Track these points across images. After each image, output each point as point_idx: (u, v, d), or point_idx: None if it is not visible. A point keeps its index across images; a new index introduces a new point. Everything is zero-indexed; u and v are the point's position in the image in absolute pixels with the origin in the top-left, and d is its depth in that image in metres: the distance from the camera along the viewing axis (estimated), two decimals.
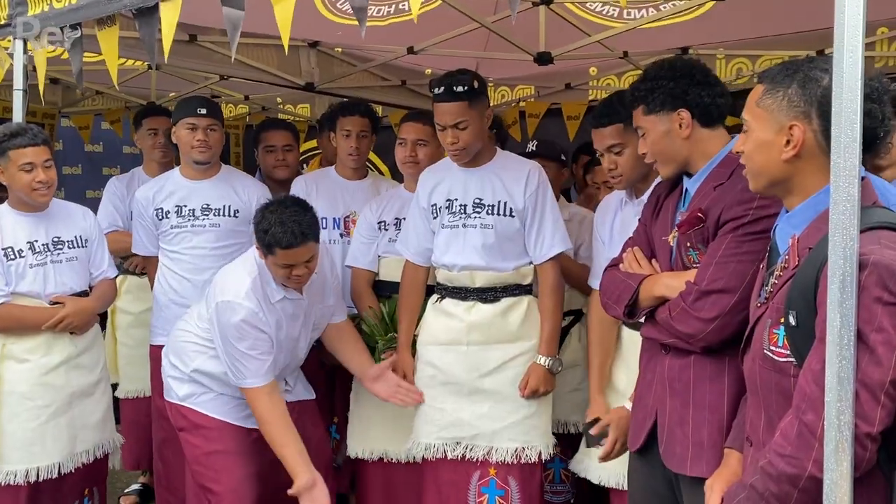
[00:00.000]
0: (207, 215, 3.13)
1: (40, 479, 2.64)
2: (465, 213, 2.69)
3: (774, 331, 1.50)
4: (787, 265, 1.51)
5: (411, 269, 2.85)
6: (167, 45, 2.24)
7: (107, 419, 2.90)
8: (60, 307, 2.70)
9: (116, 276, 3.05)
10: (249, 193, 3.20)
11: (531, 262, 2.72)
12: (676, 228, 1.92)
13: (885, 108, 1.47)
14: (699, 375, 1.86)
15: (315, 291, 2.76)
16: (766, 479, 1.44)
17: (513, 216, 2.66)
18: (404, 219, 2.97)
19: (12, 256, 2.65)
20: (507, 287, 2.70)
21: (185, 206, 3.13)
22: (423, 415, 2.75)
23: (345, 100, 3.92)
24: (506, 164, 2.72)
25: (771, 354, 1.51)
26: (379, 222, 3.06)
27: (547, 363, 2.65)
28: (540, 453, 2.67)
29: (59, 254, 2.75)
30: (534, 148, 3.10)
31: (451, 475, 2.70)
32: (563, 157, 3.17)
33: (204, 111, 3.11)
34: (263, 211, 2.56)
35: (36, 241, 2.71)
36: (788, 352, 1.47)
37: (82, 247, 2.83)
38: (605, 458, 2.31)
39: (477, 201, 2.67)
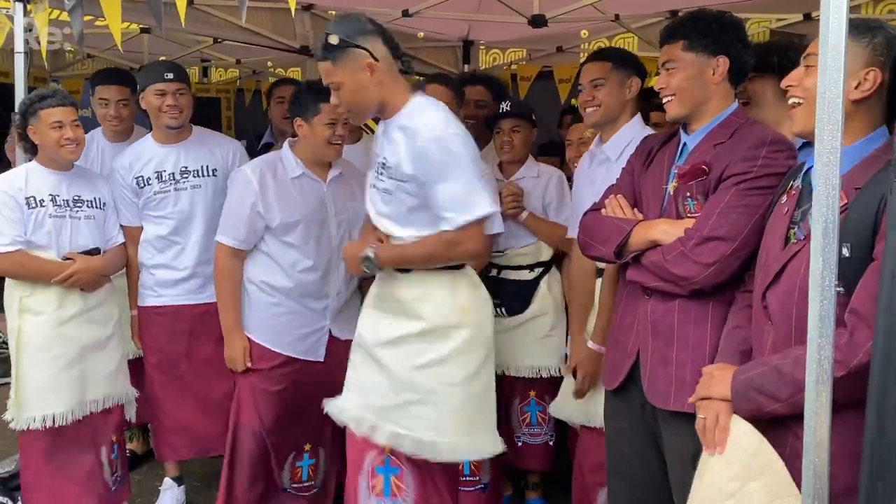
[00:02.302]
0: (187, 177, 3.16)
1: (56, 425, 2.80)
2: (376, 172, 2.38)
3: None
4: None
5: None
6: (182, 9, 2.28)
7: (119, 372, 3.03)
8: (71, 263, 2.83)
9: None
10: (224, 151, 3.23)
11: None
12: (678, 178, 2.01)
13: None
14: (683, 319, 1.98)
15: (345, 188, 2.93)
16: (797, 366, 1.53)
17: (405, 181, 2.24)
18: None
19: (33, 205, 2.80)
20: None
21: (164, 170, 3.15)
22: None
23: None
24: (410, 116, 2.27)
25: None
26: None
27: (369, 251, 2.31)
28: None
29: (78, 211, 2.90)
30: (507, 108, 3.18)
31: (352, 452, 2.41)
32: (533, 118, 3.25)
33: (171, 76, 3.11)
34: (300, 86, 2.98)
35: (58, 195, 2.86)
36: (838, 282, 1.53)
37: (100, 209, 2.98)
38: (579, 394, 2.60)
39: (382, 161, 2.33)
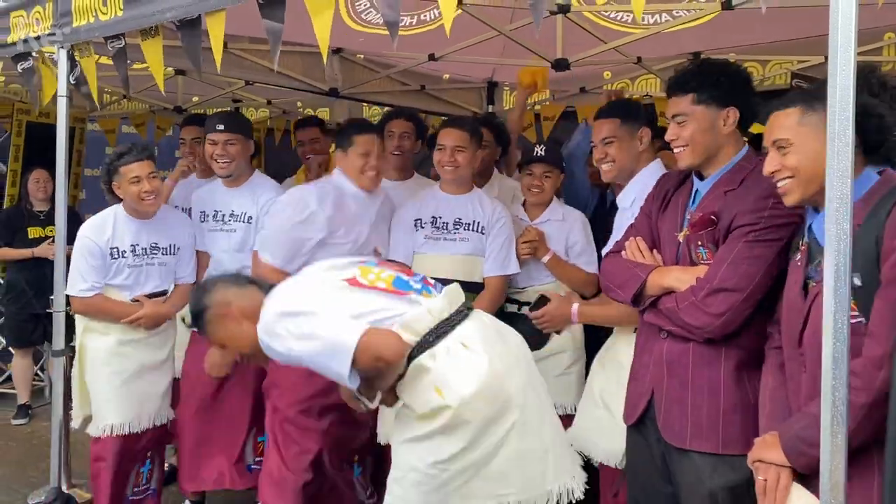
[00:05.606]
0: (230, 221, 3.34)
1: (114, 434, 3.07)
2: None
3: None
4: None
5: None
6: (218, 55, 2.39)
7: (168, 393, 3.28)
8: (139, 306, 3.12)
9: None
10: (263, 200, 3.34)
11: None
12: (688, 228, 2.06)
13: None
14: (697, 362, 2.02)
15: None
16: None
17: None
18: (440, 217, 3.14)
19: (116, 256, 3.11)
20: None
21: (219, 210, 3.36)
22: None
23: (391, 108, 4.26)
24: None
25: None
26: (415, 220, 3.19)
27: None
28: None
29: (153, 258, 3.20)
30: (542, 153, 3.21)
31: None
32: (563, 164, 3.32)
33: (221, 127, 3.29)
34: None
35: (137, 245, 3.15)
36: (857, 312, 1.57)
37: (173, 254, 3.26)
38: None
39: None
